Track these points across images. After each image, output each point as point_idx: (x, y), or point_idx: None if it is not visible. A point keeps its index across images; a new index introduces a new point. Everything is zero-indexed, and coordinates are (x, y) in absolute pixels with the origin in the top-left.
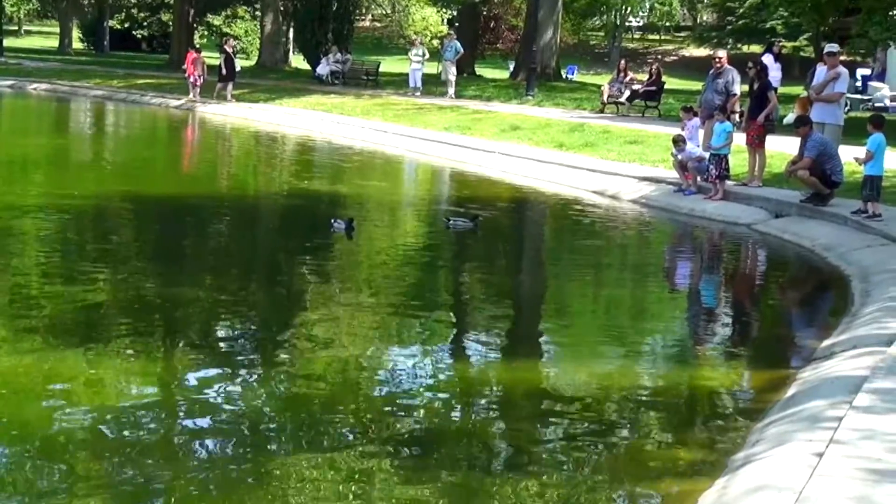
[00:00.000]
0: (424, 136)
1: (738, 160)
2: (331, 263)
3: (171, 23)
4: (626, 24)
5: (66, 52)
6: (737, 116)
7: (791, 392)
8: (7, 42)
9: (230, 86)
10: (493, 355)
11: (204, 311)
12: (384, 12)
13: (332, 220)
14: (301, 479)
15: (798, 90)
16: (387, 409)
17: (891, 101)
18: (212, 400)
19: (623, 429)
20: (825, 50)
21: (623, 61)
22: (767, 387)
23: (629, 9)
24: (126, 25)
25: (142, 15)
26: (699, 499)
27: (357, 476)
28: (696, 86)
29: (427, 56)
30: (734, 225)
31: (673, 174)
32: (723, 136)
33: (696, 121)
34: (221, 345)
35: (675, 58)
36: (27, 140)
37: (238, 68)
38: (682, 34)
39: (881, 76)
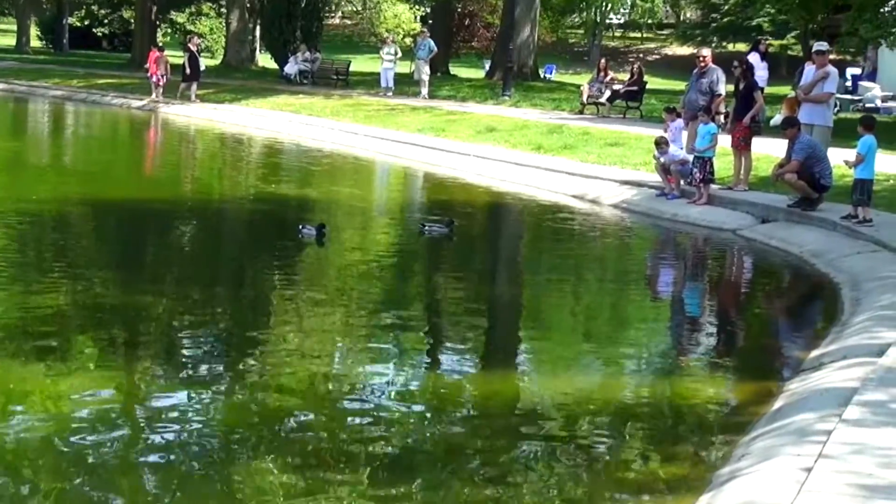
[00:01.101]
0: (397, 138)
1: (723, 163)
2: (300, 271)
3: (132, 20)
4: (607, 21)
5: (24, 50)
6: (722, 118)
7: (778, 404)
8: None
9: (194, 86)
10: (469, 366)
11: (167, 321)
12: (355, 9)
13: (301, 226)
14: (268, 495)
15: (785, 90)
16: (358, 422)
17: (882, 101)
18: (174, 413)
19: (603, 443)
20: (814, 48)
21: (603, 60)
22: (754, 399)
23: (610, 5)
24: (86, 23)
25: (102, 12)
26: None
27: (327, 492)
28: (680, 86)
29: (399, 55)
30: (719, 230)
31: (655, 178)
32: (707, 138)
33: (680, 122)
34: (185, 356)
35: (657, 56)
36: None
37: (203, 67)
38: (665, 32)
39: (872, 76)
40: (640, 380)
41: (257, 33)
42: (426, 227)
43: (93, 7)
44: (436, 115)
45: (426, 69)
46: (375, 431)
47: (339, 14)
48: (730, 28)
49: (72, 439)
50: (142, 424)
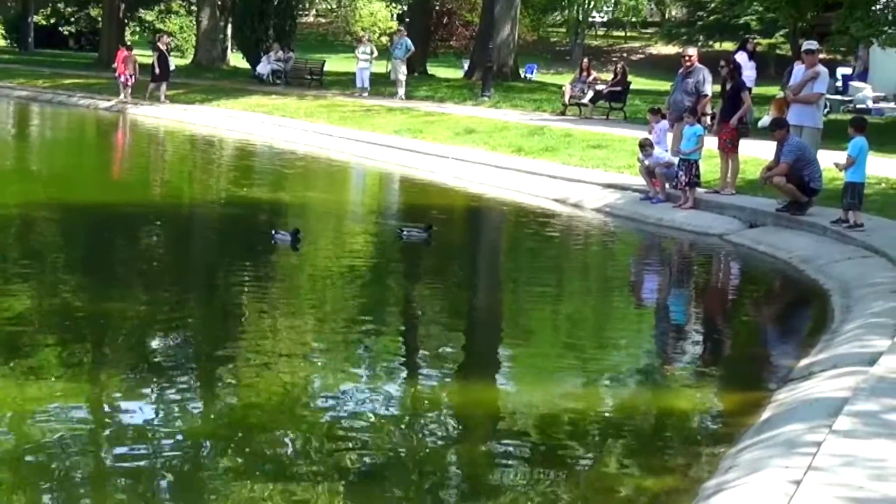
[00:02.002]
0: (372, 140)
1: (710, 166)
2: (273, 278)
3: (100, 18)
4: (590, 19)
5: None
6: (708, 119)
7: (766, 415)
8: None
9: (164, 86)
10: (447, 377)
11: (136, 329)
12: (329, 7)
13: (274, 231)
14: None
15: (774, 90)
16: (333, 433)
17: (873, 102)
18: (142, 424)
19: (586, 455)
20: (803, 47)
21: (586, 60)
22: (741, 409)
23: (592, 3)
24: (52, 21)
25: (69, 10)
26: None
27: None
28: (665, 86)
29: (375, 54)
30: (705, 235)
31: (639, 181)
32: (693, 140)
33: (665, 124)
34: (154, 366)
35: (641, 56)
36: None
37: (172, 67)
38: (650, 31)
39: (863, 76)
40: (624, 390)
41: (229, 32)
42: (403, 233)
43: (59, 5)
44: (413, 117)
45: (403, 69)
46: (350, 443)
47: (314, 12)
48: (716, 26)
49: (35, 451)
50: (108, 435)
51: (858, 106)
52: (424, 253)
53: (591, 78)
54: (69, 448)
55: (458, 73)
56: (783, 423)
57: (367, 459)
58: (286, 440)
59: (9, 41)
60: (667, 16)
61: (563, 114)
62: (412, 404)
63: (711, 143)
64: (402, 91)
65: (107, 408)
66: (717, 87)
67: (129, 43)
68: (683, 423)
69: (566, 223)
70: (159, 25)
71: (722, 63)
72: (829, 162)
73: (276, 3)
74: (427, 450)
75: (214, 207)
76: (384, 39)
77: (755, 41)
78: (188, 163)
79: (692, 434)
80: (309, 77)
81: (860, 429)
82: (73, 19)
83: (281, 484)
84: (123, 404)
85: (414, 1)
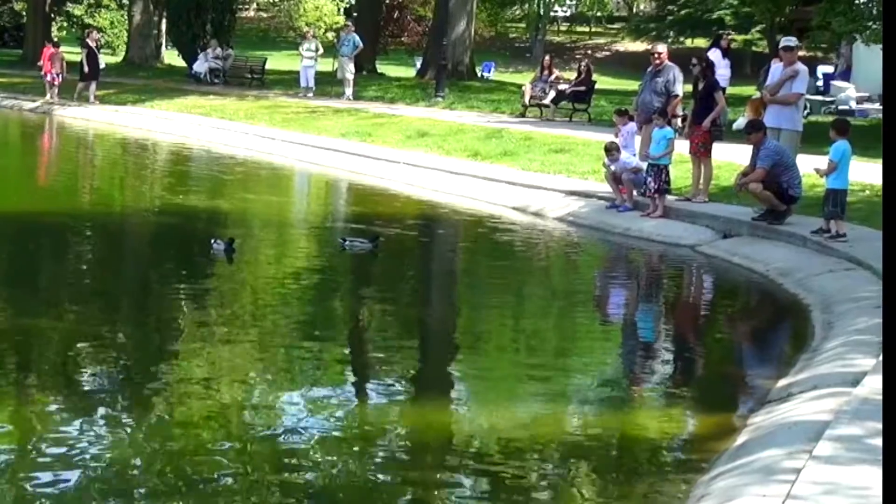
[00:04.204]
0: (318, 144)
1: (681, 171)
2: (209, 291)
3: (24, 13)
4: (551, 14)
5: None
6: (679, 121)
7: (742, 440)
8: None
9: (93, 86)
10: (397, 397)
11: (62, 348)
12: (271, 1)
13: (212, 241)
14: None
15: (750, 90)
16: (274, 460)
17: (857, 103)
18: (69, 451)
19: (547, 482)
20: (781, 44)
21: (547, 57)
22: (714, 434)
23: None
24: None
25: None
26: None
27: None
28: (632, 86)
29: (321, 51)
30: (676, 246)
31: (605, 188)
32: (662, 143)
33: (632, 126)
34: (81, 386)
35: (607, 53)
36: None
37: (102, 65)
38: (616, 26)
39: (845, 74)
40: (589, 412)
41: (163, 27)
42: (347, 242)
43: None
44: (361, 119)
45: (351, 67)
46: (292, 469)
47: (254, 6)
48: (688, 21)
49: None
50: (32, 461)
51: (841, 107)
52: (371, 265)
53: (553, 77)
54: None
55: (409, 72)
56: (760, 449)
57: (311, 486)
58: (222, 465)
59: None
60: (634, 10)
61: (522, 115)
62: (358, 429)
63: (682, 147)
64: (349, 91)
65: (29, 432)
66: (689, 87)
67: (55, 39)
68: (652, 449)
69: (526, 233)
70: (88, 20)
71: (694, 61)
72: (810, 167)
73: None
74: (374, 479)
75: (148, 216)
76: (330, 35)
77: (729, 37)
78: (119, 168)
79: (661, 461)
80: (249, 76)
81: (842, 454)
82: None
83: None
84: (47, 428)
85: None
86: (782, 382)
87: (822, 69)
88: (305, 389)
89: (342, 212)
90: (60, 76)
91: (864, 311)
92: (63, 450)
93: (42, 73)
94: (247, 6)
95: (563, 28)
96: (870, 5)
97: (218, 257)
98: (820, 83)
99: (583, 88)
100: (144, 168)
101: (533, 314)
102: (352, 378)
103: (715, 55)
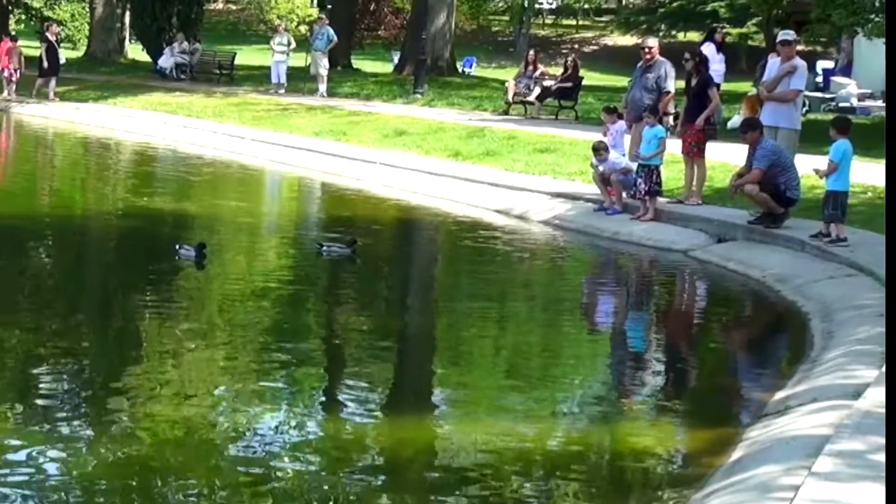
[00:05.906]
0: (290, 143)
1: (673, 172)
2: (177, 299)
3: None
4: (536, 6)
5: None
6: (671, 119)
7: (737, 455)
8: None
9: (53, 82)
10: (374, 411)
11: (20, 358)
12: None
13: (178, 246)
14: None
15: (746, 87)
16: (245, 478)
17: (858, 100)
18: (27, 467)
19: (533, 500)
20: (778, 38)
21: (532, 52)
22: (709, 449)
23: None
24: None
25: None
26: None
27: None
28: (622, 82)
29: (293, 46)
30: (668, 251)
31: (593, 189)
32: (653, 142)
33: (622, 125)
34: (41, 399)
35: (595, 48)
36: None
37: (62, 60)
38: (604, 19)
39: (846, 70)
40: (577, 427)
41: (126, 20)
42: (324, 248)
43: None
44: (336, 117)
45: (325, 62)
46: (264, 487)
47: None
48: (680, 14)
49: None
50: None
51: (841, 104)
52: (349, 271)
53: (537, 73)
54: None
55: (387, 67)
56: (756, 465)
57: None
58: (191, 482)
59: None
60: (624, 2)
61: (506, 113)
62: (336, 441)
63: (675, 147)
64: (323, 87)
65: None
66: (682, 83)
67: (13, 33)
68: (644, 465)
69: (510, 237)
70: (48, 13)
71: (686, 56)
72: (809, 168)
73: None
74: (353, 492)
75: (110, 219)
76: (303, 29)
77: (724, 31)
78: (81, 169)
79: (653, 477)
80: (218, 71)
81: (843, 471)
82: None
83: None
84: (6, 444)
85: None
86: (780, 395)
87: (822, 64)
88: (277, 402)
89: (316, 215)
90: (18, 72)
91: (865, 319)
92: (19, 465)
93: None
94: None
95: (548, 21)
96: None
97: (186, 263)
98: (819, 79)
99: (569, 85)
100: (107, 169)
101: (517, 322)
102: (326, 390)
103: (709, 50)
